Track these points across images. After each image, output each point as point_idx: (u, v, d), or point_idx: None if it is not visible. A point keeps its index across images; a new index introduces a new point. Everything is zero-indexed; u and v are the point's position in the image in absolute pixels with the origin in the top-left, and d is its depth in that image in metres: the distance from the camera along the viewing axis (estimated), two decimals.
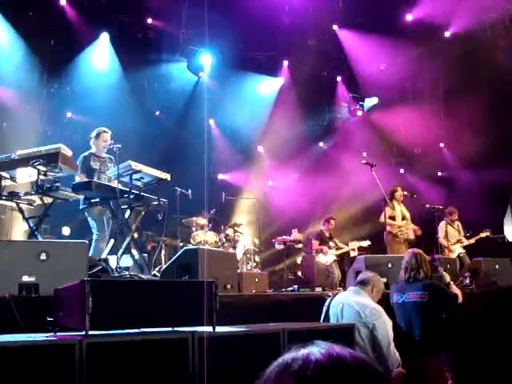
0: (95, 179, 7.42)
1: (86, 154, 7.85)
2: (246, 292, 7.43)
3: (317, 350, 1.14)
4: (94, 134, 7.98)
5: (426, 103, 14.73)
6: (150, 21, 13.14)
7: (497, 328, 1.37)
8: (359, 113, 16.30)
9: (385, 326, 5.11)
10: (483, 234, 11.64)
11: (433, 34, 14.02)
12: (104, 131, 7.93)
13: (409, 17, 14.06)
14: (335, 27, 14.62)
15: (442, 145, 16.20)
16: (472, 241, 11.43)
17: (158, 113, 14.48)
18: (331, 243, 11.78)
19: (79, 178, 7.36)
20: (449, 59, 14.20)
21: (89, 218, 7.62)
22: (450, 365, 1.43)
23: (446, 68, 14.33)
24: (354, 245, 11.77)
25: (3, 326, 4.02)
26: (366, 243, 11.76)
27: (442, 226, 11.10)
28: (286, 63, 15.29)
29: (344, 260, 12.08)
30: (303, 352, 1.14)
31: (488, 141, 13.35)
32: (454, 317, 5.73)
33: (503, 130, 13.43)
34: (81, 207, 7.46)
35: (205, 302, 3.67)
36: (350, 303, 5.29)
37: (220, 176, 15.44)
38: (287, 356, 1.15)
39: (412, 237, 10.36)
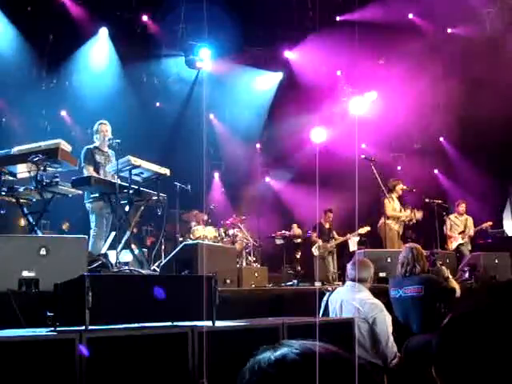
0: (101, 173, 7.45)
1: (90, 146, 7.82)
2: (246, 287, 7.45)
3: (290, 350, 1.11)
4: (94, 128, 7.99)
5: (426, 97, 14.68)
6: (145, 18, 13.13)
7: (498, 325, 1.34)
8: (357, 106, 16.24)
9: (384, 321, 5.13)
10: (484, 225, 11.79)
11: (434, 30, 14.05)
12: (102, 123, 7.92)
13: (410, 15, 14.18)
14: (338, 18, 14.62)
15: (441, 139, 16.19)
16: (471, 232, 11.56)
17: (158, 104, 14.47)
18: (330, 236, 11.84)
19: (86, 170, 7.38)
20: (449, 54, 14.18)
21: (90, 213, 7.62)
22: (441, 370, 1.39)
23: (446, 63, 14.30)
24: (354, 234, 11.79)
25: (3, 321, 4.03)
26: (364, 229, 11.77)
27: (447, 219, 11.25)
28: (285, 57, 15.26)
29: (344, 254, 12.12)
30: (277, 355, 1.11)
31: (488, 135, 13.36)
32: (452, 310, 5.72)
33: (503, 124, 13.43)
34: (85, 201, 7.47)
35: (204, 296, 3.68)
36: (348, 300, 5.30)
37: (216, 174, 15.41)
38: (261, 360, 1.12)
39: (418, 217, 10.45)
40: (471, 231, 11.56)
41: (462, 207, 11.74)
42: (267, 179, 16.04)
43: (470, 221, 11.72)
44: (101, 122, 7.95)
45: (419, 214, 10.44)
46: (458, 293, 6.16)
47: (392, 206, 10.25)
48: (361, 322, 5.05)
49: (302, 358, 1.09)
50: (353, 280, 5.49)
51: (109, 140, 7.52)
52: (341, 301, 5.38)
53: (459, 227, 11.57)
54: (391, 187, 10.39)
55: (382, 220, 10.21)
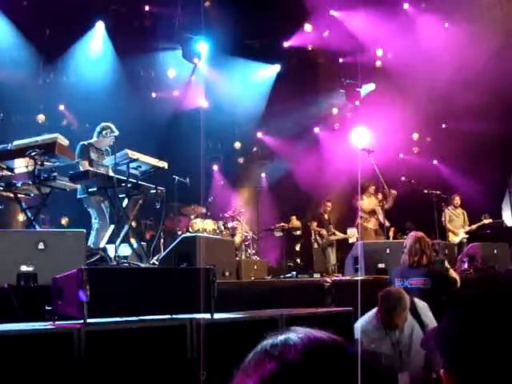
0: (94, 169, 7.42)
1: (85, 142, 7.76)
2: (245, 279, 7.46)
3: (294, 335, 1.15)
4: (100, 127, 7.91)
5: (424, 88, 14.64)
6: (147, 8, 13.09)
7: (496, 313, 1.34)
8: (357, 102, 16.19)
9: None
10: (486, 221, 11.80)
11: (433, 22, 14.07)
12: (111, 130, 7.85)
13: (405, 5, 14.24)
14: (334, 13, 14.57)
15: (444, 125, 16.11)
16: (473, 227, 11.59)
17: (154, 95, 14.42)
18: (330, 226, 11.85)
19: (82, 165, 7.35)
20: (446, 46, 14.14)
21: (88, 208, 7.60)
22: (444, 357, 1.40)
23: (442, 54, 14.26)
24: (352, 232, 11.80)
25: (2, 315, 4.04)
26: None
27: (445, 212, 11.27)
28: (283, 49, 15.19)
29: (343, 246, 12.11)
30: (281, 338, 1.15)
31: (488, 126, 13.35)
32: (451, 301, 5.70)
33: (504, 117, 13.43)
34: (78, 196, 7.45)
35: (203, 289, 3.68)
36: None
37: (215, 167, 15.33)
38: (265, 343, 1.16)
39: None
40: (467, 226, 11.63)
41: (457, 200, 11.73)
42: (264, 173, 16.00)
43: (465, 214, 11.77)
44: (111, 129, 7.82)
45: (393, 192, 10.41)
46: (458, 284, 6.16)
47: (363, 204, 10.53)
48: None
49: (305, 342, 1.12)
50: None
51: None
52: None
53: (459, 220, 11.61)
54: (364, 188, 10.66)
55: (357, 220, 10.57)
